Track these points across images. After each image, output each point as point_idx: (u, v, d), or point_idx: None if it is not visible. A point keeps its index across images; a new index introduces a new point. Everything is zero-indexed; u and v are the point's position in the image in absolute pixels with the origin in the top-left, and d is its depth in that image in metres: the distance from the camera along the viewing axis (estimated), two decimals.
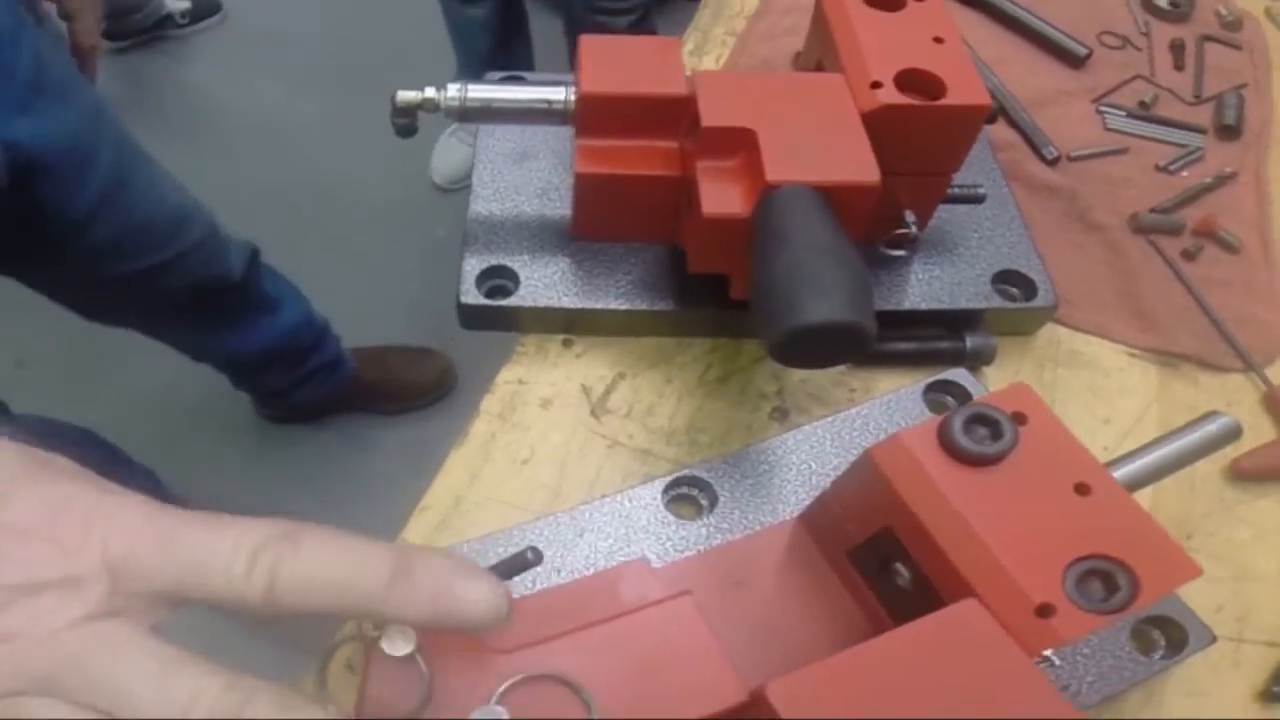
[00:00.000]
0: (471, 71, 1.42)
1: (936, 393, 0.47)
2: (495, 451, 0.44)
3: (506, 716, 0.30)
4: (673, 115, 0.43)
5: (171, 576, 0.26)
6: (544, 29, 1.64)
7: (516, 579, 0.37)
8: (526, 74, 0.52)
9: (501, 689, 0.32)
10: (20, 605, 0.24)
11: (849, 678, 0.28)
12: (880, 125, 0.40)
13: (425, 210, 1.68)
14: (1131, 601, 0.30)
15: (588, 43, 0.44)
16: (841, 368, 0.49)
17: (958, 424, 0.31)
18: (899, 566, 0.33)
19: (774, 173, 0.38)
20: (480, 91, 0.44)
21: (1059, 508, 0.31)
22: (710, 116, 0.39)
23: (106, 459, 0.97)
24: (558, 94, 0.44)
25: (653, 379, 0.48)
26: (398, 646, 0.28)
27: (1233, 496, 0.47)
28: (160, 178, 0.85)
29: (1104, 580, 0.30)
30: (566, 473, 0.44)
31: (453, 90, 0.44)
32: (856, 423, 0.45)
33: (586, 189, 0.44)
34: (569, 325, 0.48)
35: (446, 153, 1.68)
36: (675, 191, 0.44)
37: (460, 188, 1.68)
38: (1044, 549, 0.30)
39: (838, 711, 0.27)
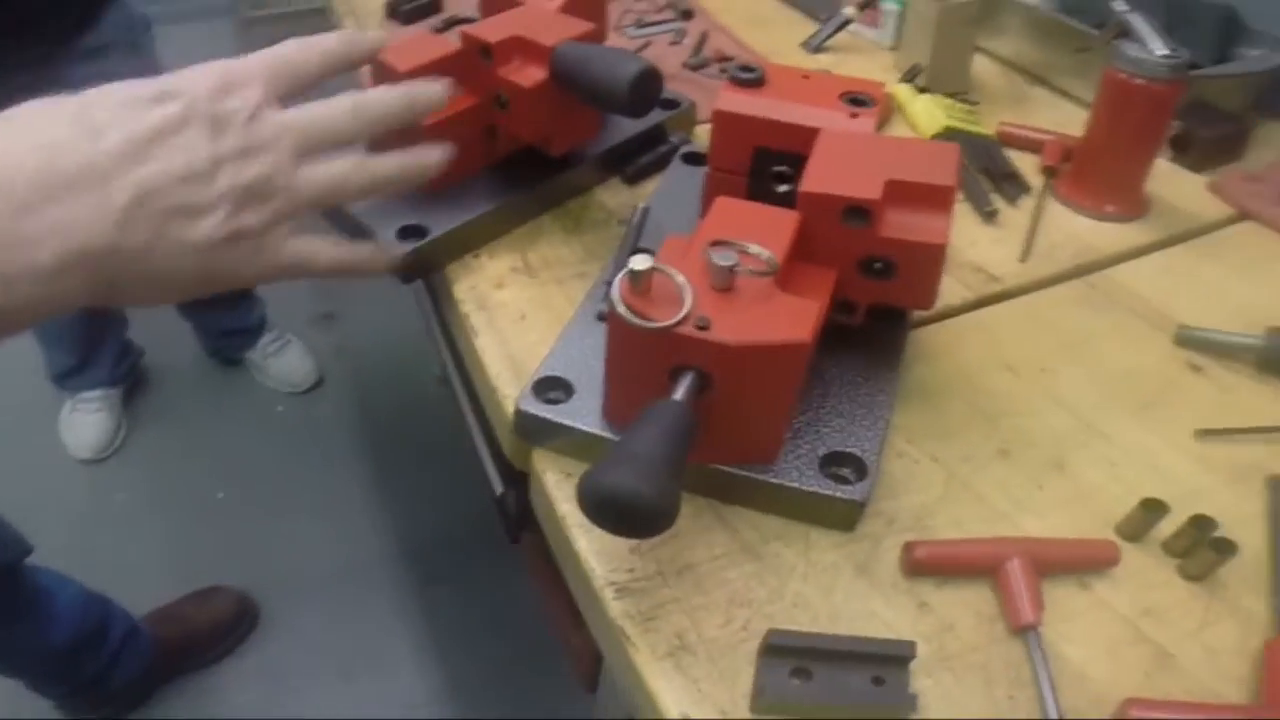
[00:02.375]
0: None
1: (686, 161, 0.72)
2: (500, 323, 0.58)
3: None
4: (457, 66, 0.60)
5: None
6: None
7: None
8: None
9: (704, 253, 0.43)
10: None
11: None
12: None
13: (84, 485, 1.51)
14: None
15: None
16: (624, 187, 0.71)
17: (735, 69, 0.55)
18: (780, 170, 0.55)
19: (549, 40, 0.58)
20: None
21: (811, 87, 0.56)
22: (490, 35, 0.58)
23: None
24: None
25: (543, 245, 0.65)
26: (641, 263, 0.40)
27: None
28: None
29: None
30: (552, 305, 0.59)
31: None
32: (665, 186, 0.68)
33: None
34: (466, 245, 0.63)
35: (75, 426, 1.52)
36: (488, 113, 0.62)
37: (109, 454, 1.53)
38: (825, 98, 0.55)
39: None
